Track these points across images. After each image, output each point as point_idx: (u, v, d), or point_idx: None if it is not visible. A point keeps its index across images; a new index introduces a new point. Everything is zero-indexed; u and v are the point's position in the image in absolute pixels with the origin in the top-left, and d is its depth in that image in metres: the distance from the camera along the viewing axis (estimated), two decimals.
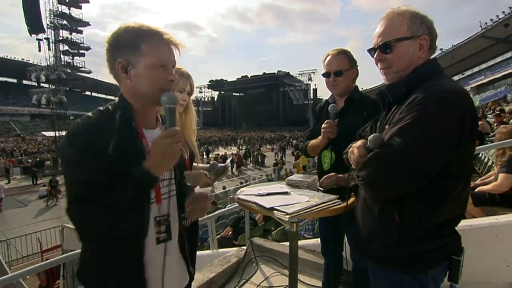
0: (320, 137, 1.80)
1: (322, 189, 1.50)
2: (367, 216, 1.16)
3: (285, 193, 1.42)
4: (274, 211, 1.17)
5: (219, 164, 1.77)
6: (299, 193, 1.42)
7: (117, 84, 1.04)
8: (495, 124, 7.80)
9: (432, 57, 1.13)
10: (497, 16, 35.80)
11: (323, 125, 1.75)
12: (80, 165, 0.89)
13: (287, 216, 1.12)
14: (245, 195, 1.43)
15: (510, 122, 7.20)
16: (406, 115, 0.99)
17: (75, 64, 33.89)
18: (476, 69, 43.38)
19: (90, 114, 0.97)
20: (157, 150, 0.92)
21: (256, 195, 1.39)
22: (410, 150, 0.95)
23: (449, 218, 1.04)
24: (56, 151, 26.20)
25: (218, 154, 23.58)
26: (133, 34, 0.98)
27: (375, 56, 1.15)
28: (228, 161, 1.85)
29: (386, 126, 1.12)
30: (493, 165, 4.03)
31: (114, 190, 0.88)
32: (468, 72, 44.62)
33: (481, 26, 37.96)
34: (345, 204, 1.29)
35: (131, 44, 0.97)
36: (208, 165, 1.82)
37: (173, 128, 0.94)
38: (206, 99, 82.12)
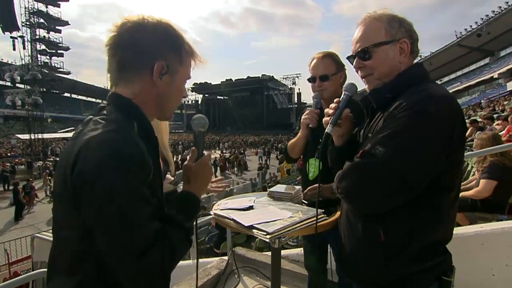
0: (300, 131, 1.69)
1: (306, 202, 1.40)
2: (350, 233, 1.08)
3: (250, 207, 1.31)
4: (254, 230, 1.06)
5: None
6: (282, 207, 1.31)
7: (114, 80, 0.85)
8: (470, 128, 8.04)
9: (415, 61, 1.07)
10: (471, 26, 37.58)
11: (303, 115, 1.63)
12: (144, 198, 0.70)
13: (268, 236, 1.01)
14: (222, 210, 1.30)
15: (486, 127, 7.45)
16: (390, 122, 0.92)
17: (52, 65, 32.73)
18: (452, 76, 45.32)
19: (115, 125, 0.75)
20: (203, 175, 0.93)
21: (235, 210, 1.27)
22: (394, 160, 0.87)
23: (440, 235, 0.96)
24: (32, 155, 25.06)
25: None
26: (181, 40, 0.86)
27: (354, 63, 1.09)
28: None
29: (369, 135, 1.05)
30: (472, 170, 4.09)
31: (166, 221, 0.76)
32: (445, 79, 46.53)
33: (456, 35, 39.72)
34: (331, 219, 1.19)
35: (177, 49, 0.85)
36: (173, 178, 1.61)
37: (209, 153, 0.97)
38: (190, 102, 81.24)
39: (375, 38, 1.03)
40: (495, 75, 33.40)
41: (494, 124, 7.89)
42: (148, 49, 0.82)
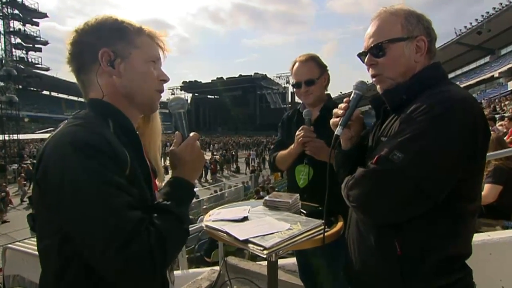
0: (292, 146, 1.69)
1: (305, 212, 1.37)
2: (361, 244, 1.05)
3: (245, 218, 1.27)
4: (249, 244, 1.02)
5: None
6: (279, 217, 1.27)
7: (81, 85, 0.89)
8: None
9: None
10: (471, 23, 38.30)
11: (298, 132, 1.64)
12: (116, 186, 0.69)
13: (265, 252, 0.97)
14: (214, 221, 1.26)
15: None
16: (408, 126, 0.89)
17: (29, 60, 32.18)
18: (451, 75, 46.14)
19: (86, 119, 0.79)
20: (191, 157, 0.90)
21: (228, 221, 1.23)
22: (414, 167, 0.85)
23: (459, 248, 0.94)
24: (6, 158, 24.49)
25: None
26: (123, 24, 0.88)
27: (365, 60, 1.06)
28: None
29: (382, 138, 1.02)
30: None
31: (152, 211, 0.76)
32: None
33: (455, 33, 40.45)
34: (334, 230, 1.17)
35: (121, 33, 0.86)
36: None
37: (195, 133, 0.93)
38: None
39: (390, 33, 1.01)
40: (496, 74, 34.12)
41: (497, 125, 8.01)
42: (88, 43, 0.85)
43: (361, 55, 1.10)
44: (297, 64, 1.75)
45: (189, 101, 79.96)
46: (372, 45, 1.03)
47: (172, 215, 0.77)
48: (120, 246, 0.64)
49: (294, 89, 1.79)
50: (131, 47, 0.87)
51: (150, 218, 0.72)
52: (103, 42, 0.84)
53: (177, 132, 0.93)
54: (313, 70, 1.72)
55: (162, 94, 0.96)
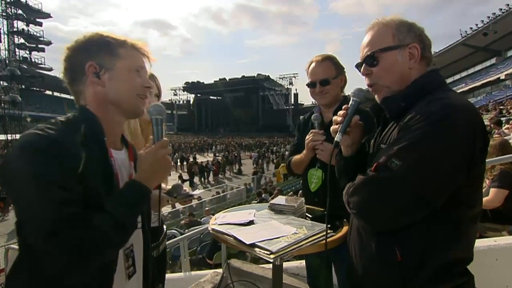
0: (304, 151, 1.70)
1: (310, 216, 1.38)
2: (362, 250, 1.06)
3: (251, 222, 1.29)
4: (256, 248, 1.03)
5: (184, 189, 1.53)
6: (284, 221, 1.28)
7: (74, 95, 0.99)
8: None
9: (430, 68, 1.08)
10: (476, 25, 38.15)
11: (307, 136, 1.65)
12: (52, 182, 0.77)
13: (272, 256, 0.99)
14: (220, 224, 1.27)
15: (493, 132, 7.53)
16: (406, 133, 0.91)
17: (33, 60, 32.40)
18: (457, 77, 45.93)
19: (49, 125, 0.87)
20: (151, 163, 0.95)
21: (234, 225, 1.25)
22: (412, 174, 0.87)
23: (460, 253, 0.95)
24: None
25: (196, 162, 22.95)
26: (107, 38, 0.98)
27: (361, 70, 1.10)
28: (197, 192, 1.67)
29: (382, 145, 1.04)
30: None
31: (98, 210, 0.82)
32: (449, 80, 47.14)
33: (461, 34, 40.29)
34: (339, 235, 1.18)
35: (106, 47, 0.97)
36: (169, 187, 1.57)
37: (165, 139, 0.98)
38: (181, 102, 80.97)
39: (382, 43, 1.04)
40: (502, 76, 33.90)
41: (503, 128, 7.97)
42: (77, 58, 0.96)
43: (358, 66, 1.13)
44: (313, 64, 1.75)
45: (191, 102, 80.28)
46: (366, 55, 1.07)
47: (109, 216, 0.82)
48: (46, 235, 0.73)
49: (309, 89, 1.78)
50: (115, 58, 0.97)
51: (85, 215, 0.78)
52: (90, 56, 0.95)
53: (151, 137, 0.99)
54: (329, 70, 1.71)
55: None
